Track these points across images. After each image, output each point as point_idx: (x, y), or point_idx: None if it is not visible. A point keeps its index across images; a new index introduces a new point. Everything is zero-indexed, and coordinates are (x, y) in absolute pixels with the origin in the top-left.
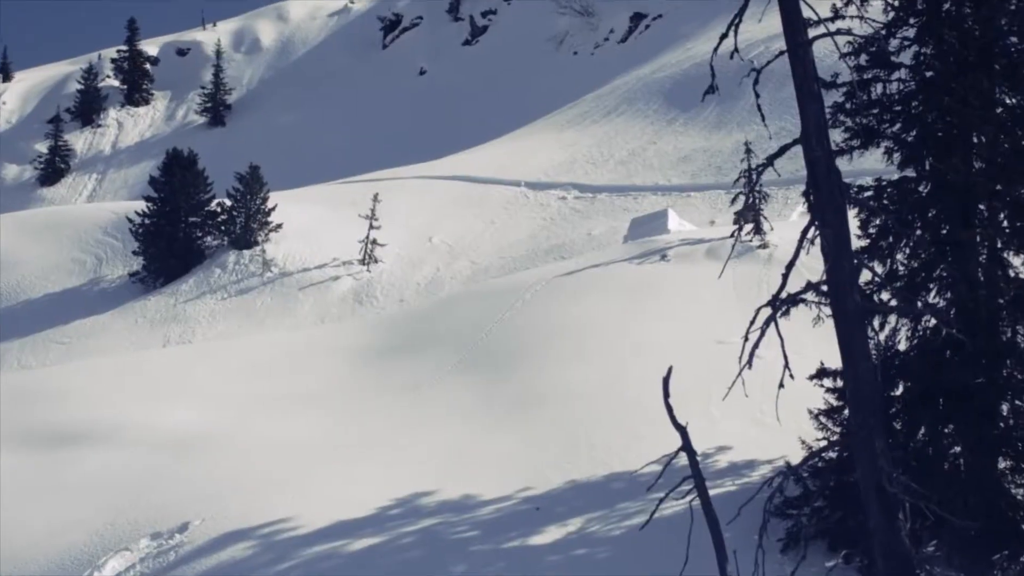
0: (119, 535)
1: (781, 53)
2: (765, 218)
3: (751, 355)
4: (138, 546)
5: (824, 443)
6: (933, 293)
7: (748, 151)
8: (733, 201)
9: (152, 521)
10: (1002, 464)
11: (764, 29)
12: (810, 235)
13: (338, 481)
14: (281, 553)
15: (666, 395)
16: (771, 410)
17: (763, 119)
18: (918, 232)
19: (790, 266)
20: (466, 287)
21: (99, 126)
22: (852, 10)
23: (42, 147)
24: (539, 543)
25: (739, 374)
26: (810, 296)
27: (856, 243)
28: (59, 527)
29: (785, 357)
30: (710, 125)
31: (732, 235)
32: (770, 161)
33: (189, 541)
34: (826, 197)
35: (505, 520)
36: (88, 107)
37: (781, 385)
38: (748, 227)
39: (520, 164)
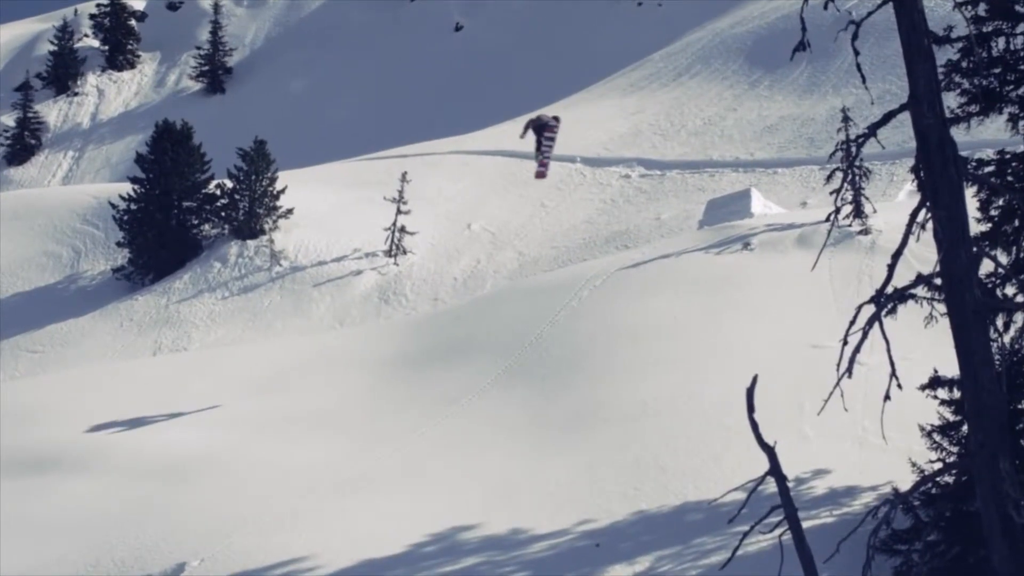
0: None
1: (885, 2)
2: (867, 199)
3: (851, 361)
4: None
5: (939, 466)
6: None
7: (846, 119)
8: (828, 178)
9: (142, 562)
10: None
11: None
12: (920, 219)
13: (362, 514)
14: None
15: (750, 409)
16: (875, 427)
17: (863, 81)
18: None
19: (897, 255)
20: (512, 283)
21: (76, 94)
22: None
23: (8, 120)
24: None
25: (837, 384)
26: (921, 291)
27: (975, 228)
28: (33, 568)
29: (892, 364)
30: (800, 88)
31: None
32: (872, 131)
33: None
34: (939, 173)
35: (560, 558)
36: (63, 72)
37: (887, 397)
38: (846, 209)
39: (575, 136)
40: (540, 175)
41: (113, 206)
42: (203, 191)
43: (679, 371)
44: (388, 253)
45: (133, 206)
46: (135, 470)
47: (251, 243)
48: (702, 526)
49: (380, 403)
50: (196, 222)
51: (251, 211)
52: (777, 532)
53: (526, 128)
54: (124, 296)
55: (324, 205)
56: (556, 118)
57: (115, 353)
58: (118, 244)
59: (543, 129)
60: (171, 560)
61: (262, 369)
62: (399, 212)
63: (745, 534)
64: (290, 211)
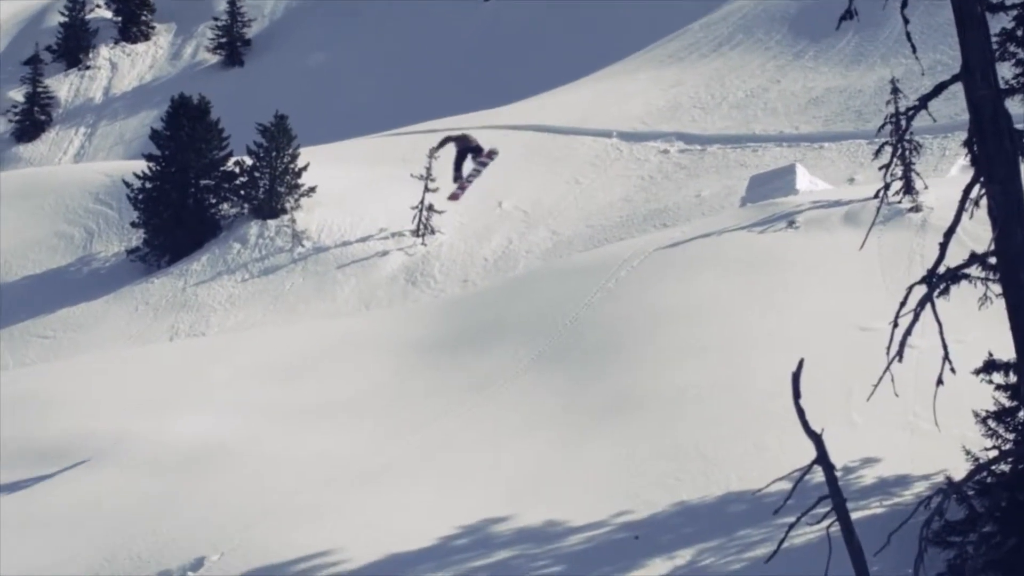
0: (119, 574)
1: None
2: (917, 174)
3: (902, 345)
4: None
5: (994, 453)
6: None
7: (895, 91)
8: (877, 153)
9: (159, 556)
10: None
11: None
12: (974, 195)
13: (388, 505)
14: None
15: (796, 395)
16: (927, 413)
17: (913, 51)
18: None
19: (949, 233)
20: (546, 263)
21: (88, 68)
22: None
23: (17, 95)
24: None
25: (887, 368)
26: (974, 270)
27: None
28: (46, 565)
29: (944, 347)
30: (847, 59)
31: (876, 196)
32: (923, 103)
33: None
34: (993, 147)
35: (598, 551)
36: (74, 45)
37: (940, 382)
38: (896, 186)
39: (611, 110)
40: (454, 197)
41: (127, 185)
42: (221, 169)
43: (721, 355)
44: (415, 233)
45: (148, 184)
46: (152, 461)
47: (272, 223)
48: (746, 517)
49: (407, 389)
50: (214, 201)
51: (272, 189)
52: (825, 523)
53: (444, 142)
54: (139, 279)
55: (348, 183)
56: (493, 152)
57: (130, 338)
58: (132, 224)
59: (475, 153)
60: (190, 554)
61: (284, 354)
62: (426, 190)
63: (791, 526)
64: (312, 189)
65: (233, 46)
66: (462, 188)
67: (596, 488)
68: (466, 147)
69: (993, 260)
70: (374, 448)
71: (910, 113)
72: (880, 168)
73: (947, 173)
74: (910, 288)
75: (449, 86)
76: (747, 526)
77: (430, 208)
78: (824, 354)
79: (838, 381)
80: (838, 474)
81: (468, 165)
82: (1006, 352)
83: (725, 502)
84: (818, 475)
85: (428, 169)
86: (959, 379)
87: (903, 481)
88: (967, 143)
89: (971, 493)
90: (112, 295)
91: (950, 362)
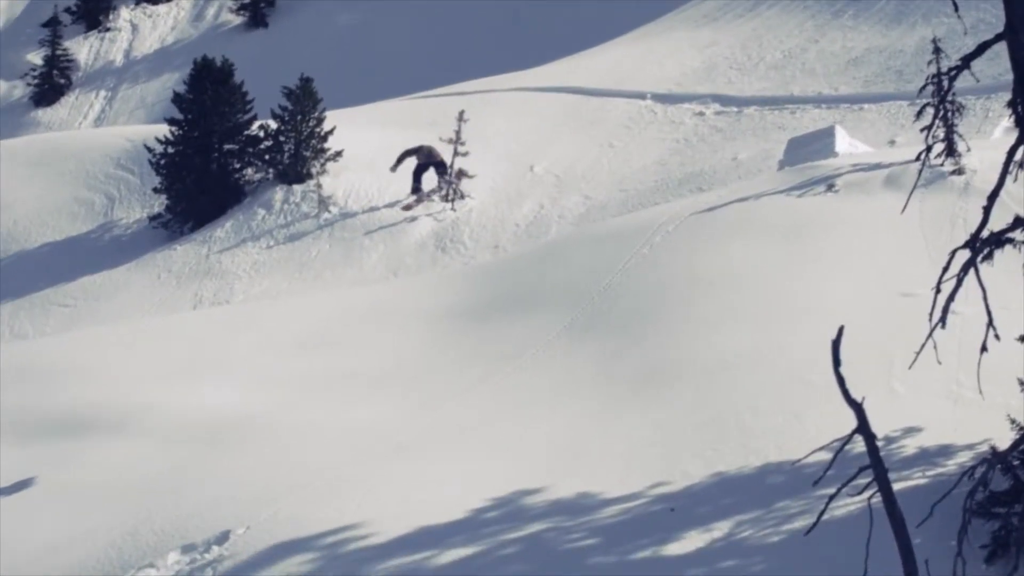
0: (142, 548)
1: None
2: (960, 136)
3: (945, 311)
4: (165, 561)
5: None
6: None
7: (937, 50)
8: (918, 115)
9: (183, 530)
10: None
11: None
12: (1018, 157)
13: (419, 477)
14: (348, 569)
15: (836, 363)
16: (971, 381)
17: (955, 8)
18: None
19: (993, 197)
20: (578, 229)
21: (108, 30)
22: None
23: (36, 58)
24: (676, 552)
25: (930, 335)
26: (1019, 235)
27: None
28: (65, 539)
29: (989, 313)
30: (887, 17)
31: (918, 158)
32: (966, 63)
33: (230, 554)
34: None
35: (633, 524)
36: (94, 6)
37: (984, 349)
38: (938, 148)
39: (646, 71)
40: (407, 207)
41: (149, 149)
42: (245, 133)
43: (759, 323)
44: (444, 198)
45: (170, 149)
46: (175, 433)
47: (297, 188)
48: (785, 488)
49: (437, 359)
50: (238, 166)
51: (297, 154)
52: (866, 495)
53: (404, 156)
54: (161, 246)
55: (375, 147)
56: (463, 172)
57: (152, 307)
58: (154, 190)
59: (440, 169)
60: (214, 528)
61: (310, 323)
62: (456, 154)
63: (831, 497)
64: (339, 154)
65: (257, 7)
66: (419, 201)
67: (631, 460)
68: (429, 161)
69: None
70: (403, 419)
71: (952, 73)
72: (921, 130)
73: (990, 135)
74: (953, 253)
75: (479, 48)
76: (786, 497)
77: (459, 172)
78: (864, 321)
79: (879, 349)
80: (879, 444)
81: (432, 179)
82: None
83: (763, 473)
84: (859, 445)
85: (457, 133)
86: (1003, 346)
87: (946, 451)
88: (1011, 104)
89: (1016, 463)
90: (134, 263)
91: (994, 329)
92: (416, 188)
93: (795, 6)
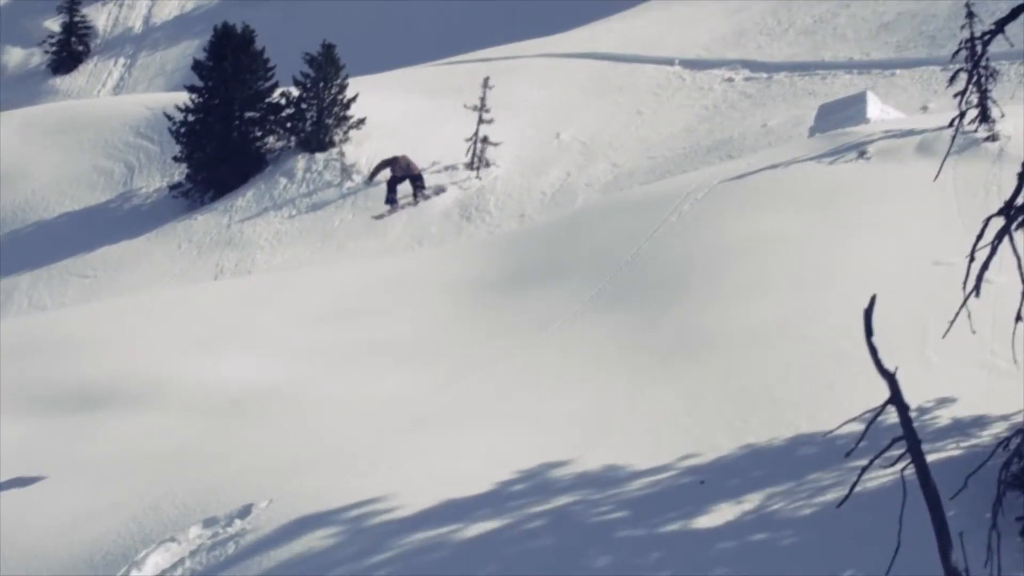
0: (163, 522)
1: None
2: (993, 102)
3: (979, 279)
4: (187, 536)
5: None
6: None
7: (970, 15)
8: (951, 80)
9: (204, 504)
10: None
11: None
12: None
13: (443, 450)
14: (372, 542)
15: (868, 333)
16: (1005, 351)
17: None
18: None
19: None
20: (606, 197)
21: None
22: None
23: (53, 24)
24: (706, 526)
25: (963, 304)
26: None
27: None
28: (85, 514)
29: None
30: None
31: (951, 124)
32: (1000, 27)
33: (252, 528)
34: None
35: (661, 497)
36: None
37: (1019, 318)
38: (971, 114)
39: (674, 37)
40: (379, 217)
41: (169, 117)
42: (266, 100)
43: (789, 292)
44: (469, 166)
45: (190, 117)
46: (196, 405)
47: (320, 156)
48: (816, 460)
49: (462, 330)
50: (259, 134)
51: (319, 122)
52: (899, 466)
53: (380, 167)
54: (182, 215)
55: (399, 114)
56: (441, 189)
57: (173, 277)
58: (175, 159)
59: (416, 182)
60: (237, 502)
61: (333, 294)
62: (481, 121)
63: (864, 469)
64: (362, 121)
65: None
66: (392, 211)
67: (660, 431)
68: (407, 174)
69: None
70: (429, 391)
71: (986, 38)
72: (955, 96)
73: None
74: (987, 220)
75: (505, 14)
76: (817, 469)
77: (484, 140)
78: (897, 290)
79: (912, 318)
80: (913, 415)
81: (407, 190)
82: None
83: (794, 445)
84: (891, 416)
85: (483, 100)
86: None
87: (980, 421)
88: None
89: None
90: (154, 232)
91: None
92: (391, 199)
93: None
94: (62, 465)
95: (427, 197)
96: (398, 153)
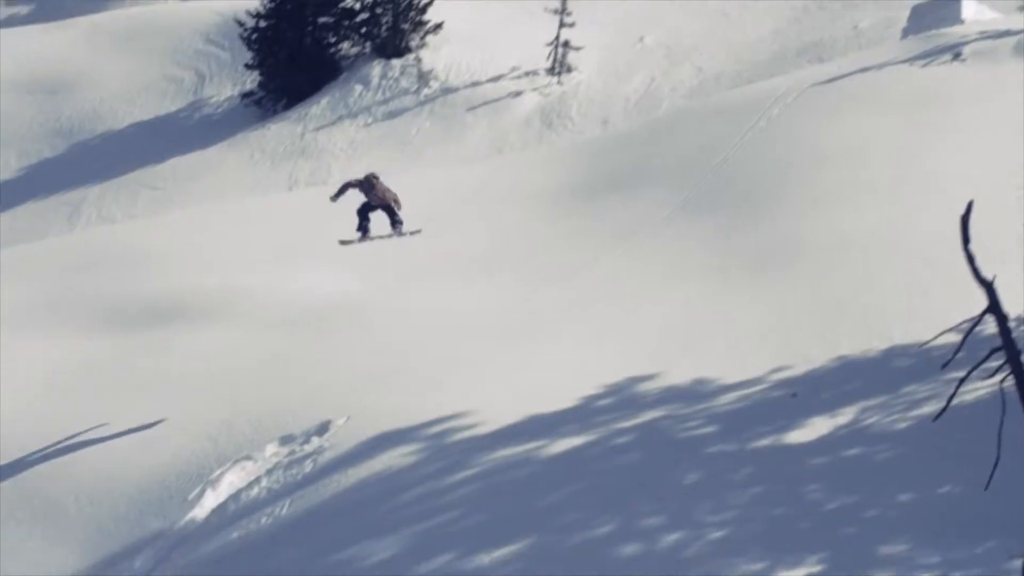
0: (238, 440)
1: None
2: None
3: None
4: (263, 454)
5: None
6: None
7: None
8: None
9: (281, 421)
10: None
11: None
12: None
13: (527, 363)
14: (454, 459)
15: (965, 240)
16: None
17: None
18: None
19: None
20: (691, 102)
21: None
22: None
23: None
24: (798, 441)
25: None
26: None
27: None
28: (157, 433)
29: None
30: None
31: None
32: None
33: (331, 446)
34: None
35: (752, 411)
36: None
37: None
38: None
39: None
40: (344, 242)
41: (240, 24)
42: (340, 5)
43: (882, 199)
44: (551, 71)
45: (262, 23)
46: (271, 320)
47: (396, 62)
48: (911, 372)
49: (544, 240)
50: (333, 40)
51: (395, 27)
52: (997, 378)
53: (345, 188)
54: (254, 124)
55: (477, 18)
56: (416, 232)
57: (245, 188)
58: (246, 66)
59: (387, 212)
60: (313, 419)
61: (412, 204)
62: (562, 25)
63: (961, 381)
64: (439, 26)
65: None
66: (363, 240)
67: (749, 343)
68: (380, 205)
69: None
70: (511, 303)
71: None
72: None
73: None
74: None
75: None
76: (913, 382)
77: (566, 44)
78: (994, 195)
79: (1009, 224)
80: (1012, 324)
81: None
82: None
83: (889, 356)
84: (990, 326)
85: (564, 3)
86: None
87: None
88: None
89: None
90: (225, 142)
91: None
92: (363, 227)
93: None
94: (133, 382)
95: (403, 235)
96: (372, 171)
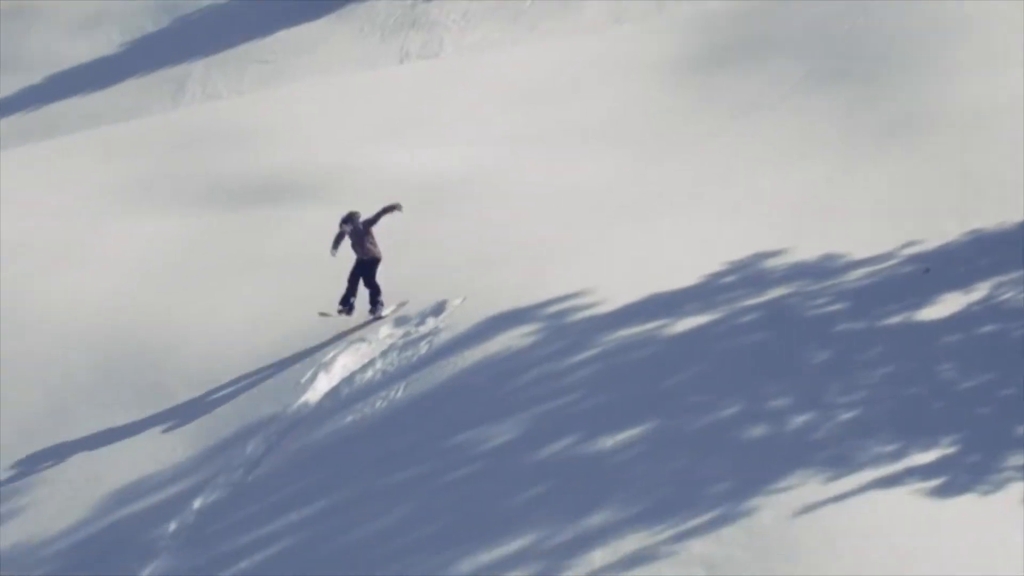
0: (352, 322)
1: None
2: None
3: None
4: (377, 335)
5: None
6: None
7: None
8: None
9: (395, 301)
10: None
11: None
12: None
13: (647, 240)
14: (574, 340)
15: None
16: None
17: None
18: None
19: None
20: None
21: None
22: None
23: None
24: (930, 318)
25: None
26: None
27: None
28: (268, 313)
29: None
30: None
31: None
32: None
33: (446, 326)
34: None
35: (882, 287)
36: None
37: None
38: None
39: None
40: (324, 314)
41: None
42: None
43: (1018, 67)
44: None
45: None
46: (383, 198)
47: None
48: None
49: (664, 113)
50: None
51: None
52: None
53: (339, 239)
54: None
55: None
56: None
57: (355, 62)
58: None
59: (367, 278)
60: (430, 298)
61: (527, 77)
62: None
63: None
64: None
65: None
66: (341, 313)
67: (879, 217)
68: (370, 261)
69: None
70: (631, 177)
71: None
72: None
73: None
74: None
75: None
76: None
77: None
78: None
79: None
80: None
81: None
82: None
83: None
84: None
85: None
86: None
87: None
88: None
89: None
90: (334, 15)
91: None
92: (347, 305)
93: None
94: (242, 262)
95: (380, 317)
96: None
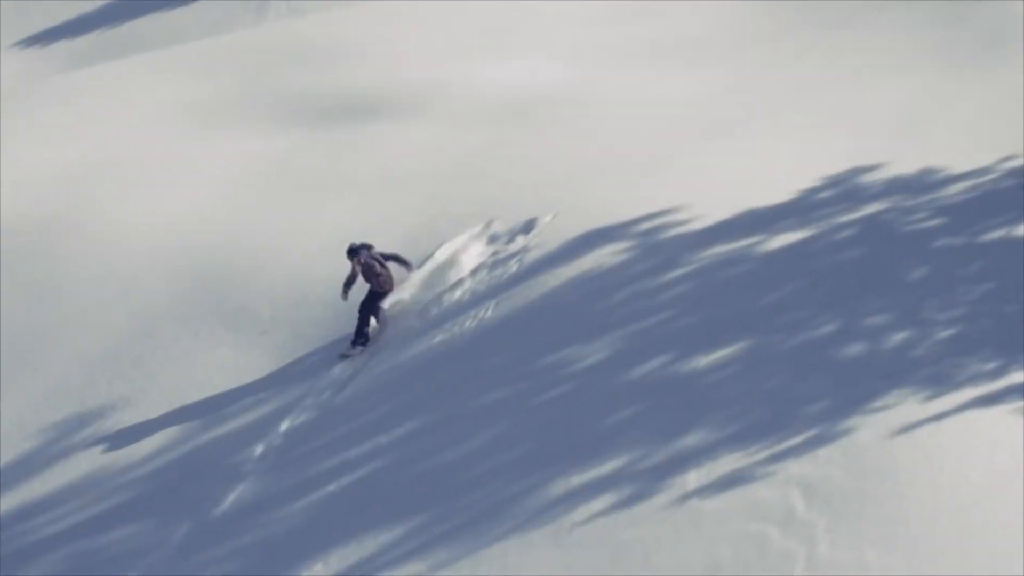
0: (440, 239)
1: None
2: None
3: None
4: (468, 253)
5: None
6: None
7: None
8: None
9: (484, 218)
10: None
11: None
12: None
13: (741, 156)
14: (666, 257)
15: None
16: None
17: None
18: None
19: None
20: None
21: None
22: None
23: None
24: None
25: None
26: None
27: None
28: (360, 228)
29: None
30: None
31: None
32: None
33: (537, 244)
34: None
35: (981, 202)
36: None
37: None
38: None
39: None
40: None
41: None
42: None
43: None
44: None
45: None
46: (474, 114)
47: None
48: None
49: (755, 27)
50: None
51: None
52: None
53: (349, 285)
54: None
55: None
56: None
57: None
58: None
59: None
60: (519, 215)
61: None
62: None
63: None
64: None
65: None
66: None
67: (978, 131)
68: (379, 293)
69: None
70: (724, 93)
71: None
72: None
73: None
74: None
75: None
76: None
77: None
78: None
79: None
80: None
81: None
82: None
83: None
84: None
85: None
86: None
87: None
88: None
89: None
90: None
91: None
92: (362, 332)
93: None
94: (330, 181)
95: (346, 356)
96: None
